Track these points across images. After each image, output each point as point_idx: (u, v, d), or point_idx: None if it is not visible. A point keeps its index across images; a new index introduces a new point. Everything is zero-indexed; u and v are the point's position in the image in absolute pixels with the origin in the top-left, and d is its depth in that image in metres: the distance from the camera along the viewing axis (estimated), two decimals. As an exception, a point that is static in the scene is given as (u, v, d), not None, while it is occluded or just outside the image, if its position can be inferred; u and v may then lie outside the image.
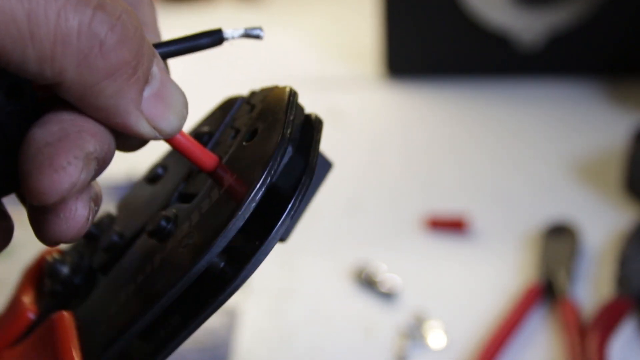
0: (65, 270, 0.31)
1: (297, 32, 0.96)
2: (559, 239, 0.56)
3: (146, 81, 0.24)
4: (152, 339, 0.27)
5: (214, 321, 0.53)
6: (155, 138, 0.25)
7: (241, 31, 0.28)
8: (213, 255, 0.25)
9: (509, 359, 0.48)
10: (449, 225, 0.59)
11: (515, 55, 0.77)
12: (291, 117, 0.28)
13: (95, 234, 0.33)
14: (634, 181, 0.60)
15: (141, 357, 0.27)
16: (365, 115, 0.77)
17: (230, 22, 1.02)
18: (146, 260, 0.28)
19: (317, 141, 0.29)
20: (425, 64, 0.81)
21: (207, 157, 0.27)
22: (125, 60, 0.23)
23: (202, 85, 0.71)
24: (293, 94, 0.29)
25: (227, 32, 0.27)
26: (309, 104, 0.86)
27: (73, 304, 0.29)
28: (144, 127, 0.24)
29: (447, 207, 0.61)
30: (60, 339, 0.25)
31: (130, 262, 0.29)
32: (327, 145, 0.81)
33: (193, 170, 0.31)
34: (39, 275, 0.32)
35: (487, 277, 0.54)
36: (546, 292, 0.52)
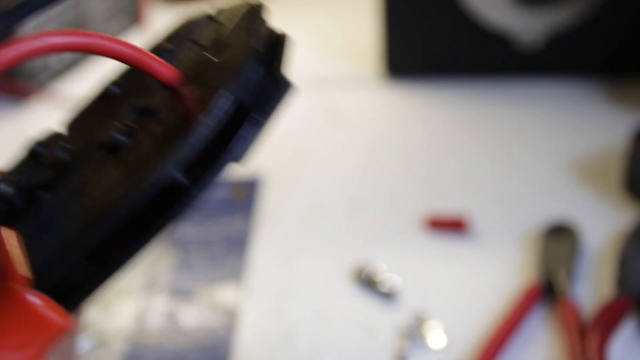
0: (8, 189, 0.28)
1: (297, 32, 0.96)
2: (559, 239, 0.56)
3: None
4: (99, 259, 0.24)
5: (214, 321, 0.53)
6: None
7: None
8: (177, 164, 0.23)
9: (509, 359, 0.48)
10: (449, 225, 0.59)
11: (515, 55, 0.77)
12: (257, 29, 0.27)
13: (40, 152, 0.31)
14: (634, 181, 0.60)
15: (85, 275, 0.24)
16: (365, 115, 0.77)
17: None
18: (101, 175, 0.26)
19: (280, 53, 0.28)
20: (425, 64, 0.81)
21: (166, 69, 0.26)
22: None
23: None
24: (260, 7, 0.28)
25: None
26: (309, 104, 0.86)
27: (17, 224, 0.27)
28: None
29: (447, 207, 0.61)
30: (5, 253, 0.24)
31: (81, 177, 0.27)
32: (328, 145, 0.81)
33: (151, 85, 0.28)
34: None
35: (487, 277, 0.54)
36: (546, 292, 0.52)
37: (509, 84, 0.79)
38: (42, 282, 0.24)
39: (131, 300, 0.55)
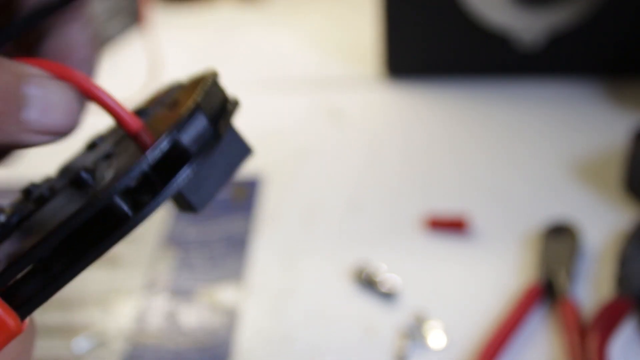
0: (1, 218, 0.33)
1: (297, 32, 0.96)
2: (559, 239, 0.56)
3: (20, 106, 0.27)
4: (47, 274, 0.28)
5: (214, 321, 0.53)
6: (52, 140, 0.29)
7: None
8: (116, 191, 0.27)
9: (509, 359, 0.48)
10: (449, 225, 0.59)
11: (515, 55, 0.77)
12: (206, 90, 0.31)
13: (31, 190, 0.35)
14: (634, 181, 0.60)
15: (34, 286, 0.28)
16: (365, 115, 0.77)
17: (230, 22, 1.02)
18: (65, 204, 0.30)
19: (228, 113, 0.32)
20: (425, 64, 0.81)
21: (132, 120, 0.30)
22: None
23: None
24: (214, 75, 0.33)
25: None
26: (309, 104, 0.86)
27: None
28: (36, 139, 0.28)
29: (447, 207, 0.61)
30: None
31: (51, 208, 0.31)
32: (328, 145, 0.81)
33: (124, 137, 0.33)
34: None
35: (487, 277, 0.54)
36: (546, 292, 0.52)
37: (509, 84, 0.79)
38: None
39: (131, 300, 0.55)
